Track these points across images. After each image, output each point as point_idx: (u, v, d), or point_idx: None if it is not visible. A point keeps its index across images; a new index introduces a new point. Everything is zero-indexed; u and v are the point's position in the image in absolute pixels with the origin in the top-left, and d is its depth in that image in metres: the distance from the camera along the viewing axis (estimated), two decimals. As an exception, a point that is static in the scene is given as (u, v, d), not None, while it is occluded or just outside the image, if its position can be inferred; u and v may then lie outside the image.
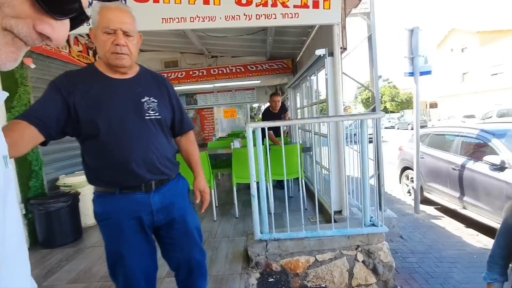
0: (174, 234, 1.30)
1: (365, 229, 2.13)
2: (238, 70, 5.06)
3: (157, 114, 1.23)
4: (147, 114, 1.20)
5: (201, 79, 5.13)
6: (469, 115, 19.78)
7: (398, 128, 24.26)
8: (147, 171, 1.20)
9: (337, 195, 2.69)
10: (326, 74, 2.54)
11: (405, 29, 4.41)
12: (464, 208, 4.17)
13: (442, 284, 2.76)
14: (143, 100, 1.20)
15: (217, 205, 3.61)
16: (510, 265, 1.27)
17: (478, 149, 4.18)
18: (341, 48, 2.53)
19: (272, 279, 1.99)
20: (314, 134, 3.56)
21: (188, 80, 5.14)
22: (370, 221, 2.22)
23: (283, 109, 4.48)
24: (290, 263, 2.13)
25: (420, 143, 5.02)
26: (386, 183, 6.48)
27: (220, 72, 5.07)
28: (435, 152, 4.92)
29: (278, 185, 4.42)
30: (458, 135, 4.65)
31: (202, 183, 1.41)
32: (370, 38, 3.47)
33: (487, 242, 3.61)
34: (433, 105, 32.30)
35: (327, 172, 3.06)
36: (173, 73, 5.17)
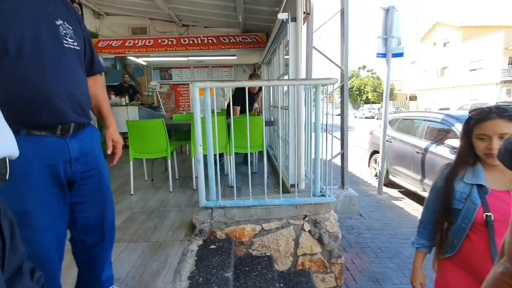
0: (86, 191, 1.15)
1: (313, 198, 2.10)
2: (210, 41, 4.82)
3: (75, 44, 1.06)
4: (65, 41, 1.02)
5: (171, 49, 4.85)
6: (445, 108, 20.45)
7: (377, 118, 24.78)
8: (71, 108, 1.02)
9: (295, 168, 2.64)
10: (287, 39, 2.41)
11: (380, 8, 4.32)
12: (424, 190, 4.29)
13: (390, 258, 2.84)
14: (57, 22, 1.00)
15: (177, 177, 3.49)
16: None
17: (441, 133, 4.27)
18: (304, 13, 2.40)
19: (214, 246, 1.93)
20: (281, 108, 3.47)
21: (157, 49, 4.85)
22: (320, 191, 2.19)
23: (260, 90, 4.34)
24: (236, 231, 2.07)
25: (389, 128, 5.09)
26: (356, 167, 6.60)
27: (191, 42, 4.81)
28: (402, 136, 5.00)
29: (245, 161, 4.35)
30: (424, 120, 4.73)
31: (116, 132, 1.27)
32: (342, 13, 3.36)
33: (440, 222, 3.75)
34: (413, 98, 33.17)
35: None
36: (140, 40, 4.85)
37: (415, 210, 4.19)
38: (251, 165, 4.11)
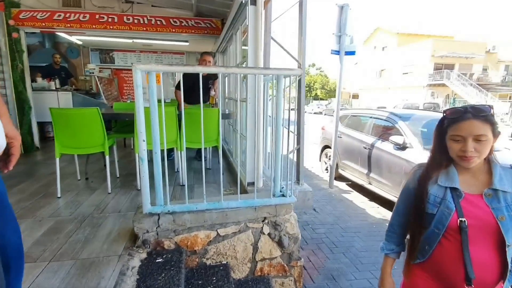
0: None
1: (273, 199, 1.95)
2: (158, 22, 4.31)
3: None
4: None
5: (111, 27, 4.21)
6: (382, 106, 22.54)
7: (325, 114, 26.21)
8: None
9: (252, 165, 2.46)
10: (246, 25, 2.19)
11: (335, 5, 4.36)
12: (369, 183, 4.54)
13: (344, 253, 2.87)
14: None
15: (118, 175, 3.04)
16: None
17: (386, 130, 4.54)
18: (266, -3, 2.20)
19: (160, 259, 1.65)
20: (239, 101, 3.25)
21: (94, 26, 4.16)
22: (280, 191, 2.05)
23: (214, 76, 4.01)
24: (187, 240, 1.82)
25: (339, 124, 5.25)
26: (307, 161, 6.76)
27: (135, 21, 4.24)
28: (351, 132, 5.21)
29: (197, 156, 4.04)
30: (371, 117, 4.98)
31: (9, 124, 0.92)
32: (301, 4, 3.26)
33: (386, 214, 3.99)
34: (355, 96, 35.91)
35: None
36: (73, 14, 4.11)
37: (362, 202, 4.40)
38: (204, 160, 3.83)
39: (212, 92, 3.92)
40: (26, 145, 4.09)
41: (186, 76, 3.73)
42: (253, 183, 2.51)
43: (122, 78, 7.57)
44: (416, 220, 1.08)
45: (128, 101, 5.56)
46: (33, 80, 4.82)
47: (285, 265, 2.05)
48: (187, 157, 4.05)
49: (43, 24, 4.02)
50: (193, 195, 2.63)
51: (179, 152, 2.93)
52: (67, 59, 6.86)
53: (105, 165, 3.05)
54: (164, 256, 1.69)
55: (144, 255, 1.68)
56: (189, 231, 1.82)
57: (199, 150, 4.09)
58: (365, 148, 4.63)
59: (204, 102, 3.99)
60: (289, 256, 2.05)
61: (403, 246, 1.20)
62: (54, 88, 5.24)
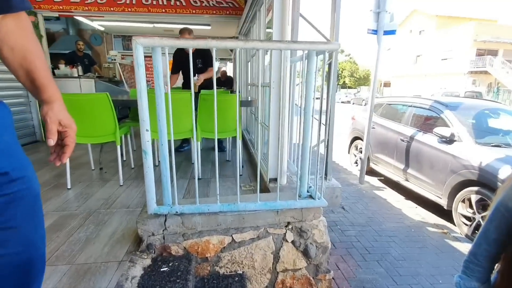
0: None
1: (299, 202, 1.64)
2: (178, 3, 4.05)
3: None
4: None
5: (129, 9, 4.02)
6: (417, 95, 21.00)
7: (353, 103, 24.96)
8: None
9: (275, 159, 2.16)
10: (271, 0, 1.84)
11: (374, -23, 3.81)
12: (406, 180, 4.06)
13: (378, 261, 2.51)
14: None
15: (132, 166, 2.88)
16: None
17: (428, 121, 3.99)
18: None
19: (166, 268, 1.42)
20: (261, 86, 2.93)
21: (112, 9, 3.99)
22: (308, 191, 1.73)
23: (210, 59, 3.61)
24: (197, 245, 1.57)
25: (373, 113, 4.75)
26: (334, 153, 6.35)
27: (154, 2, 4.01)
28: (386, 122, 4.70)
29: (219, 147, 3.80)
30: (411, 106, 4.43)
31: (63, 111, 0.78)
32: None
33: (425, 215, 3.53)
34: (387, 84, 33.87)
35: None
36: (91, -3, 3.96)
37: (398, 201, 3.95)
38: (222, 151, 3.58)
39: (197, 77, 3.46)
40: (44, 132, 4.09)
41: (179, 57, 3.42)
42: (275, 180, 2.20)
43: (145, 65, 7.49)
44: None
45: (148, 88, 5.40)
46: (56, 67, 4.81)
47: (311, 278, 1.75)
48: (207, 147, 3.84)
49: (61, 7, 3.91)
50: (208, 190, 2.38)
51: (196, 143, 2.69)
52: (90, 46, 6.88)
53: (122, 155, 2.90)
54: (170, 264, 1.46)
55: (148, 262, 1.46)
56: (199, 235, 1.57)
57: (219, 141, 3.85)
58: (403, 140, 4.12)
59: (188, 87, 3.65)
60: (316, 268, 1.75)
61: (489, 284, 0.84)
62: (76, 75, 5.22)
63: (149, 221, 1.51)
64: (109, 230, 1.70)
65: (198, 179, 2.63)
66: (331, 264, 2.43)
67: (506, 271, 0.77)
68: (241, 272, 1.64)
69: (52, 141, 0.74)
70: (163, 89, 1.44)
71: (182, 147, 3.59)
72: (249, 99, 3.05)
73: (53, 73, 4.39)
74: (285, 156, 2.14)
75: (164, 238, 1.54)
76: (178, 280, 1.35)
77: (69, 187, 2.30)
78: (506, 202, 0.75)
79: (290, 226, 1.68)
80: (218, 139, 3.77)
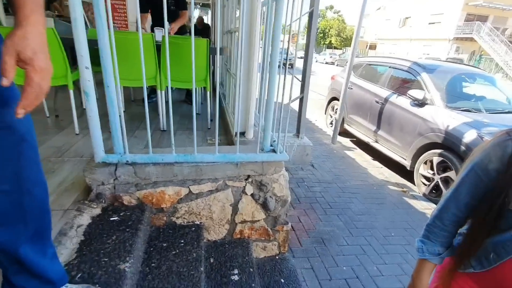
0: None
1: (260, 155, 1.59)
2: None
3: None
4: None
5: None
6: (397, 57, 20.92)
7: (337, 65, 24.59)
8: None
9: (243, 111, 2.06)
10: None
11: None
12: (376, 141, 4.17)
13: (338, 215, 2.64)
14: None
15: (92, 115, 2.67)
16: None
17: (405, 84, 3.97)
18: None
19: (116, 218, 1.37)
20: (230, 32, 2.69)
21: None
22: (271, 145, 1.68)
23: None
24: (152, 196, 1.52)
25: (352, 73, 4.65)
26: (311, 113, 6.30)
27: None
28: (364, 83, 4.64)
29: (187, 99, 3.61)
30: (390, 67, 4.36)
31: (30, 38, 0.56)
32: None
33: (389, 175, 3.69)
34: (373, 47, 33.34)
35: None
36: None
37: (365, 161, 4.09)
38: (190, 103, 3.39)
39: (170, 26, 3.12)
40: None
41: None
42: (243, 134, 2.14)
43: (112, 6, 6.70)
44: (487, 216, 0.68)
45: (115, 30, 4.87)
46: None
47: (269, 229, 1.79)
48: (178, 100, 3.64)
49: None
50: (176, 140, 2.28)
51: (161, 92, 2.50)
52: (47, -23, 5.95)
53: (82, 103, 2.67)
54: (121, 214, 1.41)
55: (97, 211, 1.40)
56: (154, 186, 1.51)
57: (189, 92, 3.65)
58: (378, 102, 4.13)
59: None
60: (274, 220, 1.78)
61: (452, 249, 0.81)
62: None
63: (97, 170, 1.41)
64: (57, 179, 1.59)
65: (163, 130, 2.50)
66: (293, 217, 2.52)
67: (472, 235, 0.73)
68: (198, 223, 1.63)
69: (5, 81, 0.54)
70: (105, 23, 1.23)
71: (150, 97, 3.37)
72: (219, 46, 2.81)
73: (3, 11, 3.78)
74: (252, 109, 2.04)
75: (115, 188, 1.46)
76: (127, 229, 1.31)
77: (16, 133, 2.10)
78: (486, 163, 0.68)
79: (250, 180, 1.65)
80: (186, 90, 3.58)
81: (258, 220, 1.75)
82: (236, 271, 1.55)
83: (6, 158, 0.64)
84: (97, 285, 0.99)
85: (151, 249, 1.41)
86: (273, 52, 1.51)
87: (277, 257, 1.89)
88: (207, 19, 8.56)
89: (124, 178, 1.45)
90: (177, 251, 1.41)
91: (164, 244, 1.45)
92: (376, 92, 4.25)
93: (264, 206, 1.71)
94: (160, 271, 1.28)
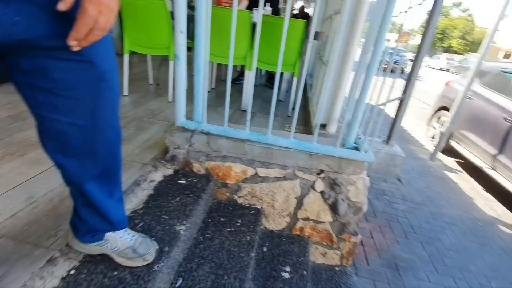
0: (58, 73, 0.61)
1: (339, 150, 1.39)
2: None
3: None
4: None
5: None
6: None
7: (455, 73, 20.76)
8: None
9: (329, 102, 1.86)
10: None
11: None
12: (493, 168, 3.29)
13: (423, 244, 2.18)
14: None
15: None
16: None
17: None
18: None
19: (184, 181, 1.41)
20: (331, 17, 2.47)
21: None
22: (355, 143, 1.45)
23: None
24: (219, 169, 1.51)
25: (475, 81, 3.76)
26: (408, 120, 5.45)
27: None
28: (491, 94, 3.69)
29: (269, 83, 3.58)
30: (535, 77, 3.33)
31: None
32: None
33: (503, 213, 2.88)
34: (508, 55, 26.84)
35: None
36: None
37: (472, 189, 3.29)
38: (278, 90, 3.33)
39: (264, 9, 2.97)
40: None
41: None
42: (324, 126, 1.94)
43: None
44: None
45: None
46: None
47: (334, 235, 1.58)
48: (261, 84, 3.64)
49: None
50: (252, 123, 2.26)
51: (248, 72, 2.51)
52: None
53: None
54: (189, 179, 1.44)
55: (169, 171, 1.47)
56: (223, 159, 1.50)
57: (271, 76, 3.61)
58: (507, 120, 3.23)
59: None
60: (342, 226, 1.56)
61: None
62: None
63: (176, 134, 1.48)
64: (144, 136, 1.76)
65: (243, 110, 2.52)
66: (365, 231, 2.20)
67: None
68: (259, 207, 1.56)
69: (62, 5, 0.52)
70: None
71: (238, 79, 3.47)
72: (316, 31, 2.62)
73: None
74: (339, 101, 1.82)
75: (188, 154, 1.51)
76: (191, 195, 1.33)
77: (126, 94, 2.44)
78: None
79: (322, 175, 1.47)
80: (270, 73, 3.53)
81: (323, 222, 1.56)
82: (288, 269, 1.42)
83: (85, 93, 0.66)
84: (153, 239, 1.01)
85: (209, 220, 1.41)
86: (380, 35, 1.26)
87: (337, 268, 1.67)
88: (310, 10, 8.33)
89: (197, 146, 1.48)
90: (233, 229, 1.37)
91: (222, 219, 1.43)
92: (508, 107, 3.33)
93: (333, 208, 1.51)
94: (212, 243, 1.26)
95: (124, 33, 2.27)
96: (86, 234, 0.87)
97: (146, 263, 0.92)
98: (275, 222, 1.60)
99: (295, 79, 2.61)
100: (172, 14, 2.27)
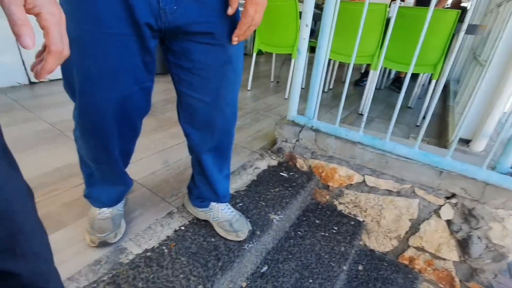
0: (198, 55, 0.72)
1: (486, 172, 1.06)
2: None
3: None
4: None
5: None
6: None
7: None
8: None
9: (481, 112, 1.46)
10: None
11: None
12: None
13: None
14: None
15: (303, 86, 2.94)
16: None
17: None
18: None
19: (285, 174, 1.42)
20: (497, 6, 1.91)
21: None
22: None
23: None
24: (322, 169, 1.44)
25: None
26: None
27: None
28: None
29: (393, 86, 3.12)
30: None
31: None
32: None
33: None
34: None
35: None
36: None
37: None
38: (408, 95, 2.84)
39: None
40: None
41: None
42: (466, 142, 1.54)
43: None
44: None
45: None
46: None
47: (456, 279, 1.23)
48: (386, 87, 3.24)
49: None
50: (368, 127, 2.05)
51: (373, 72, 2.28)
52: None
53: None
54: (291, 174, 1.44)
55: (274, 162, 1.51)
56: (328, 160, 1.41)
57: (397, 79, 3.14)
58: None
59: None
60: (471, 271, 1.20)
61: None
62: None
63: (285, 127, 1.51)
64: (257, 127, 1.88)
65: (360, 114, 2.31)
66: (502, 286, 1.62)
67: None
68: (361, 220, 1.39)
69: (230, 10, 0.67)
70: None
71: (362, 81, 3.21)
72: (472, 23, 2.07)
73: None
74: (497, 111, 1.39)
75: (294, 148, 1.51)
76: (290, 189, 1.32)
77: (249, 88, 2.68)
78: None
79: (454, 200, 1.17)
80: (399, 75, 3.05)
81: (444, 259, 1.24)
82: (386, 299, 1.21)
83: (214, 74, 0.76)
84: (248, 220, 1.07)
85: (304, 218, 1.37)
86: None
87: (455, 324, 1.30)
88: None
89: (304, 141, 1.46)
90: (327, 234, 1.28)
91: (317, 221, 1.36)
92: None
93: (463, 245, 1.18)
94: (303, 242, 1.22)
95: (256, 33, 2.49)
96: (197, 198, 1.00)
97: (238, 239, 0.98)
98: (378, 242, 1.40)
99: (432, 83, 2.18)
100: (301, 14, 2.32)
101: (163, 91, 2.38)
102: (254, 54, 2.59)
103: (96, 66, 0.64)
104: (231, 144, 0.95)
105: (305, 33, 1.28)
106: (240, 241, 0.99)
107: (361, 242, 1.42)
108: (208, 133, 0.85)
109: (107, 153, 0.79)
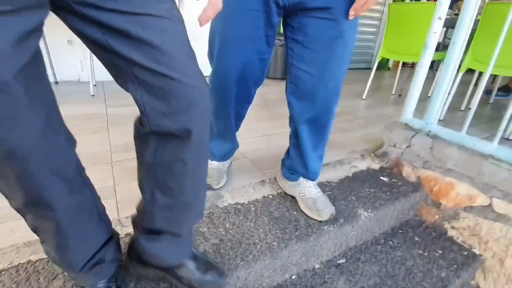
0: (311, 29, 0.80)
1: None
2: None
3: None
4: None
5: None
6: None
7: None
8: None
9: None
10: None
11: None
12: None
13: None
14: None
15: (429, 95, 2.57)
16: None
17: None
18: None
19: (385, 179, 1.30)
20: None
21: None
22: None
23: None
24: (435, 182, 1.24)
25: None
26: None
27: None
28: None
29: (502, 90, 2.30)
30: None
31: None
32: None
33: None
34: None
35: None
36: None
37: None
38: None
39: None
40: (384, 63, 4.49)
41: None
42: None
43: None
44: None
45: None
46: None
47: None
48: None
49: None
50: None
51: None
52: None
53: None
54: (392, 180, 1.32)
55: (375, 166, 1.42)
56: (445, 173, 1.21)
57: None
58: None
59: None
60: None
61: None
62: None
63: (396, 130, 1.39)
64: (366, 131, 1.80)
65: (505, 139, 1.83)
66: None
67: None
68: (477, 253, 1.12)
69: None
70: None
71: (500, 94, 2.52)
72: None
73: None
74: None
75: (402, 154, 1.37)
76: (388, 193, 1.21)
77: (363, 98, 2.58)
78: None
79: None
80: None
81: None
82: None
83: (323, 48, 0.82)
84: (334, 208, 1.06)
85: (400, 231, 1.22)
86: None
87: None
88: None
89: (416, 149, 1.31)
90: (426, 254, 1.10)
91: (416, 238, 1.19)
92: None
93: None
94: (393, 252, 1.10)
95: (383, 42, 2.38)
96: (288, 169, 1.08)
97: (319, 219, 0.99)
98: (494, 280, 1.08)
99: None
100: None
101: (281, 92, 2.60)
102: (375, 65, 2.47)
103: (232, 33, 0.82)
104: (329, 122, 0.97)
105: (437, 26, 1.16)
106: (320, 222, 0.99)
107: (473, 282, 1.14)
108: (309, 104, 0.91)
109: (225, 110, 0.98)
